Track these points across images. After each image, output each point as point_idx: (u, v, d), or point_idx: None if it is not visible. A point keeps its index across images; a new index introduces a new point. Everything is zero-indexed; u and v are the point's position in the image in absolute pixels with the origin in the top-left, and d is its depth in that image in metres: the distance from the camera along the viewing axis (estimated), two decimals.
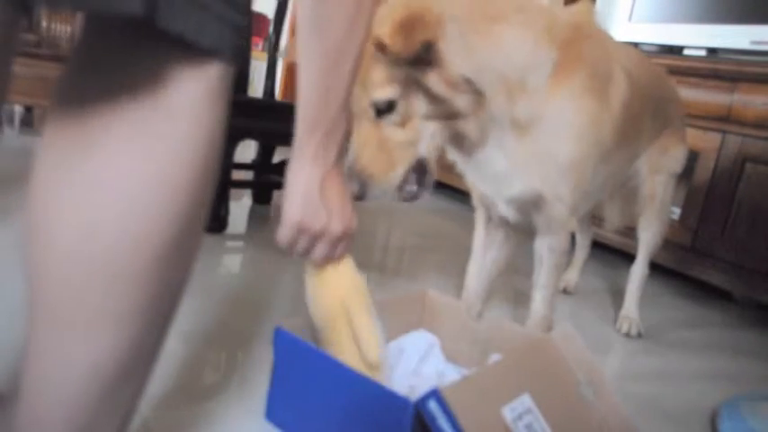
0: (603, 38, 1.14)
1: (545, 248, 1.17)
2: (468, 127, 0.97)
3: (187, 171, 0.46)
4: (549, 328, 1.19)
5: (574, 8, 1.08)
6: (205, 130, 0.47)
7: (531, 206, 1.11)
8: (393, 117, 0.94)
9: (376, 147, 0.95)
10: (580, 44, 1.04)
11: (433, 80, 0.91)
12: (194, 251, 0.51)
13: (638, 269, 1.58)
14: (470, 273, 1.29)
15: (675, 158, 1.49)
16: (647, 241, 1.55)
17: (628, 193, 1.55)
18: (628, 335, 1.52)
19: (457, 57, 0.90)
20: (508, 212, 1.15)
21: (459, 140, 1.01)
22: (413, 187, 1.01)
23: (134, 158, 0.43)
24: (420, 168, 0.99)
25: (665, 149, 1.46)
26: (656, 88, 1.35)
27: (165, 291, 0.48)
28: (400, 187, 0.99)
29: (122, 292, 0.45)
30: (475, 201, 1.25)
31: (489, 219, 1.25)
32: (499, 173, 1.07)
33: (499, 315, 1.47)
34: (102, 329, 0.45)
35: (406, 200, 1.02)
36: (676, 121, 1.49)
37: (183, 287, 0.51)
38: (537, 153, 1.04)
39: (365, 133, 0.95)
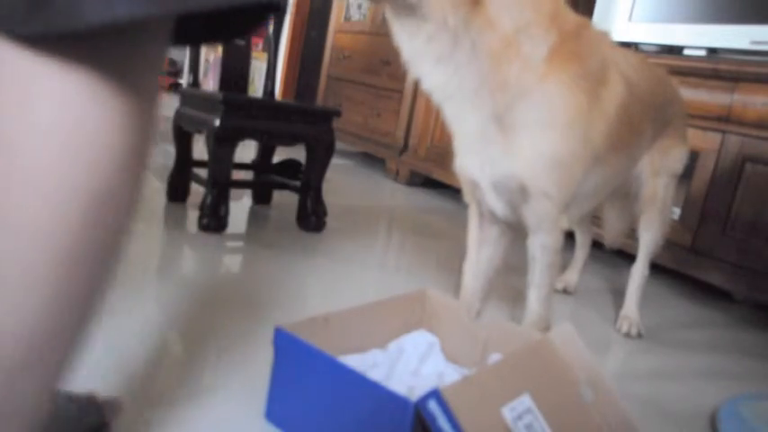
0: (603, 41, 1.15)
1: (537, 247, 1.15)
2: (439, 20, 0.94)
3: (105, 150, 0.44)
4: (546, 327, 1.18)
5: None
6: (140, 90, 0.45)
7: (517, 197, 1.09)
8: None
9: None
10: (579, 40, 1.04)
11: None
12: (128, 207, 0.49)
13: (639, 269, 1.58)
14: (466, 271, 1.28)
15: (676, 159, 1.49)
16: (647, 242, 1.55)
17: (626, 198, 1.55)
18: (628, 335, 1.52)
19: None
20: (496, 205, 1.14)
21: (411, 16, 0.96)
22: None
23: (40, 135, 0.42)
24: None
25: (666, 150, 1.46)
26: (657, 92, 1.35)
27: (84, 262, 0.46)
28: None
29: (34, 258, 0.43)
30: (466, 195, 1.23)
31: (482, 215, 1.24)
32: (473, 131, 1.06)
33: (498, 315, 1.47)
34: (14, 296, 0.44)
35: None
36: (677, 122, 1.49)
37: (111, 253, 0.49)
38: (518, 138, 1.03)
39: None
